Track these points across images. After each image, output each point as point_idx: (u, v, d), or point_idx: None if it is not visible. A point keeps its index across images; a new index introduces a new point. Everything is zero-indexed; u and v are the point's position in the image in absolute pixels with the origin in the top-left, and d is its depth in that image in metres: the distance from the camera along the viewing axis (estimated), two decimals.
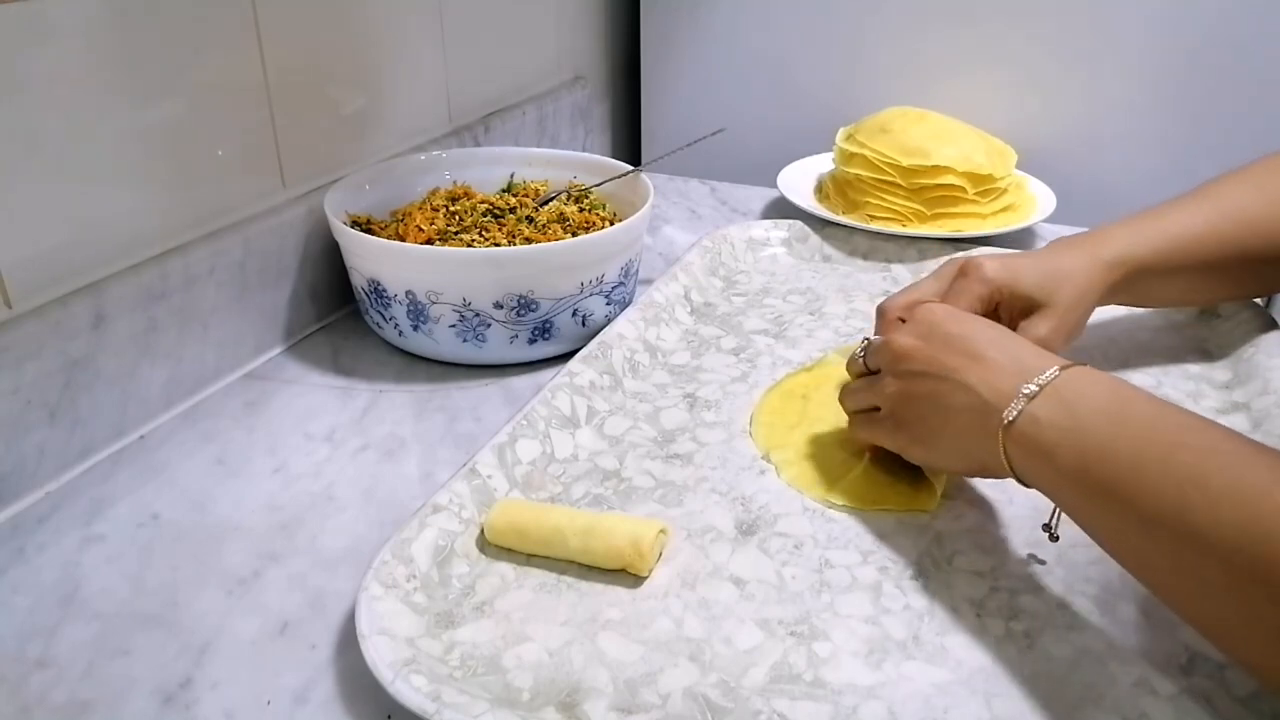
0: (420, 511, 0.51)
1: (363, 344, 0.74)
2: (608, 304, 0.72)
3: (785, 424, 0.62)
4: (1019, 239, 0.89)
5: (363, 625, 0.43)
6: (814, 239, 0.89)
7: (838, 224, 0.89)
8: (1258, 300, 0.73)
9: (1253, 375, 0.66)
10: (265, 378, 0.70)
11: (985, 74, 1.04)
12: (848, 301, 0.80)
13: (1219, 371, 0.68)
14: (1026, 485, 0.47)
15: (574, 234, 0.73)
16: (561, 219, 0.75)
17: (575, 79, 1.14)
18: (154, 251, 0.64)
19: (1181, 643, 0.46)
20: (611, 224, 0.75)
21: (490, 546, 0.51)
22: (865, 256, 0.88)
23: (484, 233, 0.72)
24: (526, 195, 0.80)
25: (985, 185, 0.88)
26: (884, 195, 0.89)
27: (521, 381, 0.70)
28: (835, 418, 0.61)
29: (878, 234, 0.88)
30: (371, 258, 0.68)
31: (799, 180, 0.99)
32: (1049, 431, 0.44)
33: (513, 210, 0.76)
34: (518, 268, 0.66)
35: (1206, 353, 0.71)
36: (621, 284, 0.73)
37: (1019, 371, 0.46)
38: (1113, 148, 1.02)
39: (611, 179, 0.81)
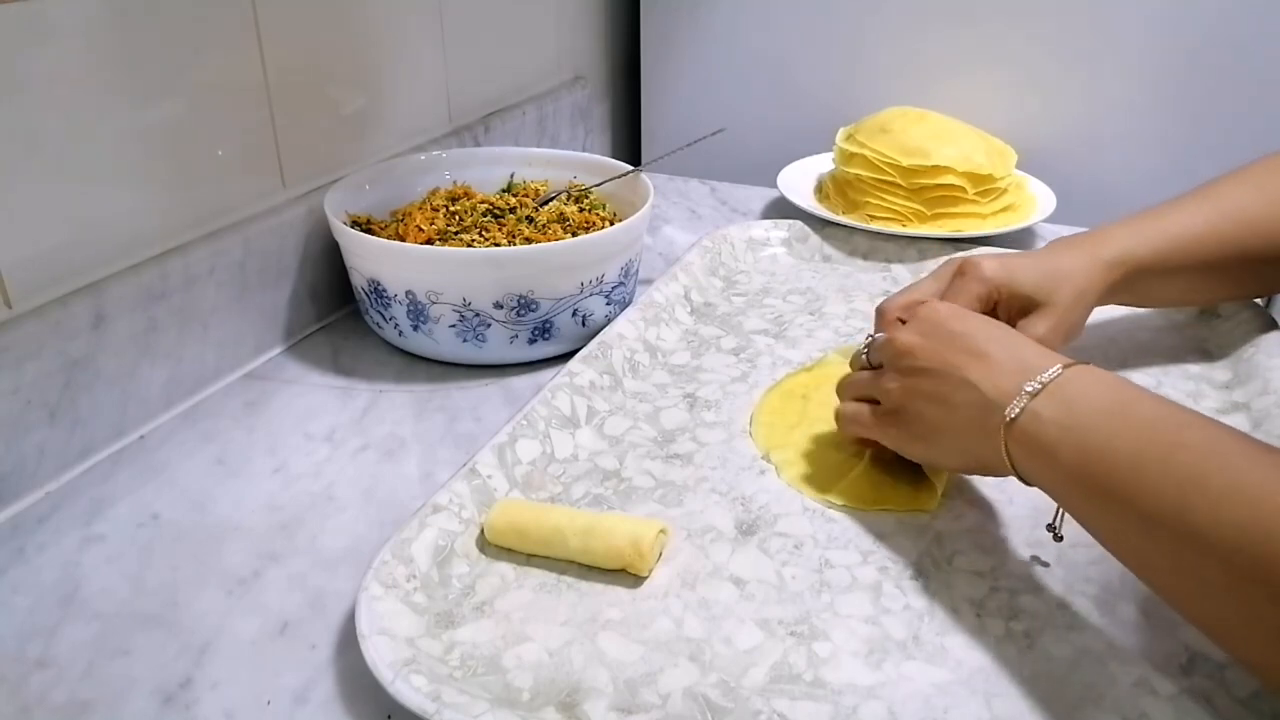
0: (420, 511, 0.51)
1: (363, 344, 0.74)
2: (608, 304, 0.72)
3: (785, 424, 0.62)
4: (1019, 239, 0.89)
5: (363, 625, 0.43)
6: (814, 239, 0.89)
7: (838, 224, 0.89)
8: (1258, 300, 0.73)
9: (1253, 375, 0.66)
10: (265, 378, 0.70)
11: (985, 74, 1.04)
12: (848, 301, 0.80)
13: (1219, 371, 0.68)
14: (1027, 483, 0.47)
15: (574, 234, 0.73)
16: (561, 219, 0.75)
17: (575, 79, 1.14)
18: (154, 251, 0.64)
19: (1181, 643, 0.46)
20: (611, 224, 0.75)
21: (490, 546, 0.51)
22: (865, 256, 0.88)
23: (484, 233, 0.72)
24: (526, 195, 0.80)
25: (985, 185, 0.88)
26: (884, 195, 0.89)
27: (521, 381, 0.70)
28: None
29: (878, 234, 0.88)
30: (371, 258, 0.68)
31: (799, 180, 0.99)
32: (1051, 429, 0.44)
33: (513, 210, 0.76)
34: (518, 268, 0.66)
35: (1206, 353, 0.71)
36: (621, 284, 0.73)
37: (1022, 369, 0.46)
38: (1113, 148, 1.02)
39: (611, 179, 0.81)
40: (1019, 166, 0.94)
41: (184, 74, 0.64)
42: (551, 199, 0.80)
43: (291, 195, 0.74)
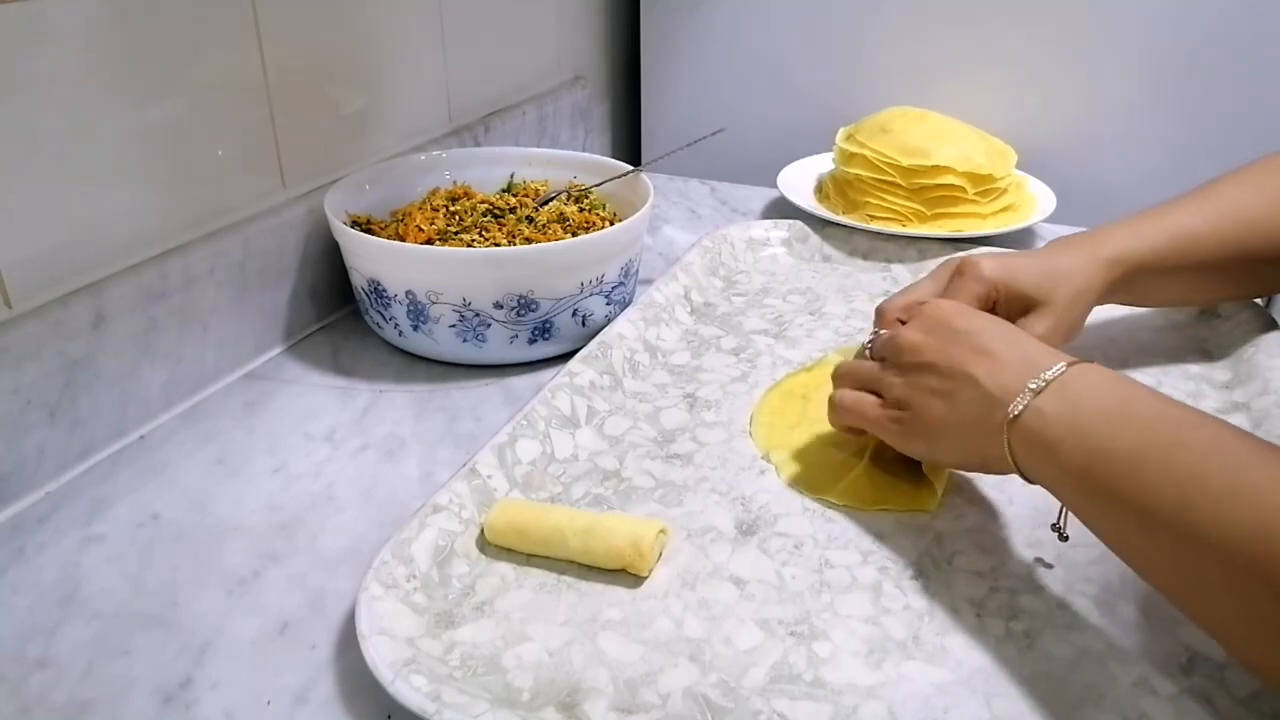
0: (420, 511, 0.51)
1: (363, 344, 0.74)
2: (608, 304, 0.72)
3: (785, 424, 0.62)
4: (1019, 239, 0.89)
5: (363, 625, 0.43)
6: (814, 239, 0.89)
7: (838, 224, 0.89)
8: (1258, 300, 0.73)
9: (1253, 375, 0.66)
10: (265, 378, 0.70)
11: (985, 74, 1.04)
12: (848, 301, 0.80)
13: (1219, 371, 0.68)
14: (1030, 481, 0.47)
15: (574, 234, 0.73)
16: (561, 219, 0.75)
17: (575, 79, 1.14)
18: (154, 251, 0.64)
19: (1181, 643, 0.46)
20: (611, 224, 0.75)
21: (490, 546, 0.51)
22: (865, 256, 0.88)
23: (484, 233, 0.72)
24: (526, 195, 0.80)
25: (985, 185, 0.88)
26: (884, 195, 0.89)
27: (521, 381, 0.70)
28: None
29: (878, 234, 0.88)
30: (371, 258, 0.68)
31: (799, 180, 0.99)
32: (1054, 427, 0.44)
33: (513, 210, 0.76)
34: (518, 268, 0.66)
35: (1206, 353, 0.71)
36: (621, 284, 0.73)
37: (1025, 367, 0.46)
38: (1113, 148, 1.02)
39: (611, 179, 0.81)
40: (1019, 166, 0.94)
41: (184, 74, 0.64)
42: (551, 199, 0.80)
43: (291, 195, 0.74)
